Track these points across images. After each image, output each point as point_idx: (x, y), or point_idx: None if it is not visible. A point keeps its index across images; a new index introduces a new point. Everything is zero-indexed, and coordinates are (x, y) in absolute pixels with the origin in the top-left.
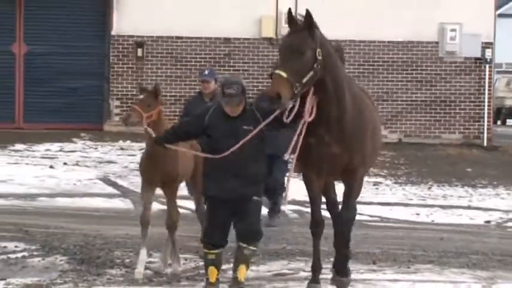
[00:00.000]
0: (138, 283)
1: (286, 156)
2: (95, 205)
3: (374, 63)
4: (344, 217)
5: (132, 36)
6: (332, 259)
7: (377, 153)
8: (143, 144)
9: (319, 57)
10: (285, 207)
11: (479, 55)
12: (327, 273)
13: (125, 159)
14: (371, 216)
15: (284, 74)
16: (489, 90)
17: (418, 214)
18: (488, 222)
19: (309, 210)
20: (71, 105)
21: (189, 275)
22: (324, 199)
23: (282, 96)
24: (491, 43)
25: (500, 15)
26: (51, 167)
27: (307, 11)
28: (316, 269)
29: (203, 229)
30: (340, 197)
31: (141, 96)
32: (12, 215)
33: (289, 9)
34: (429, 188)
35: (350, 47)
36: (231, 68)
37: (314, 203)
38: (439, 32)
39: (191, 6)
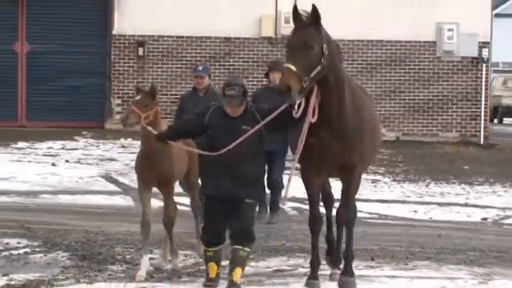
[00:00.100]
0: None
1: (297, 156)
2: (97, 202)
3: (372, 62)
4: (344, 218)
5: (133, 36)
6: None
7: (376, 151)
8: None
9: (326, 52)
10: (283, 202)
11: (476, 54)
12: (325, 269)
13: (126, 157)
14: (369, 213)
15: (293, 68)
16: (486, 89)
17: (415, 211)
18: (485, 219)
19: (307, 207)
20: (73, 103)
21: (190, 271)
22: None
23: (292, 88)
24: (488, 42)
25: (497, 15)
26: (53, 164)
27: (314, 6)
28: (314, 265)
29: (202, 227)
30: (337, 195)
31: (138, 97)
32: (15, 212)
33: (295, 5)
34: (427, 186)
35: (348, 47)
36: (231, 67)
37: (312, 200)
38: (437, 32)
39: (191, 6)
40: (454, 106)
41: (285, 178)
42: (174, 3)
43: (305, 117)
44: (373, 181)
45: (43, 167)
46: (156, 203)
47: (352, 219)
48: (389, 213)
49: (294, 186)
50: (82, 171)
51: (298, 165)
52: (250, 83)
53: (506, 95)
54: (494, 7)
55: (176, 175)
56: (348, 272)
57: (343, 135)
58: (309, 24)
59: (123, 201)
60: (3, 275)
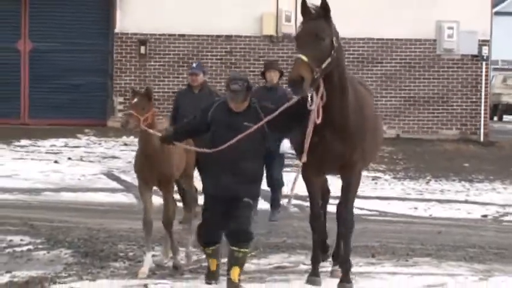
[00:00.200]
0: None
1: (304, 159)
2: (99, 199)
3: (373, 61)
4: (344, 215)
5: (135, 34)
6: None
7: (378, 148)
8: None
9: (336, 45)
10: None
11: (476, 52)
12: (326, 266)
13: (129, 154)
14: (370, 210)
15: (305, 58)
16: (486, 86)
17: (416, 208)
18: (485, 216)
19: (308, 204)
20: (75, 101)
21: (192, 268)
22: None
23: (305, 78)
24: (487, 40)
25: (497, 13)
26: (55, 162)
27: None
28: (316, 261)
29: (198, 226)
30: (338, 192)
31: (135, 100)
32: (18, 209)
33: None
34: (427, 183)
35: (349, 45)
36: (233, 65)
37: (313, 197)
38: (437, 30)
39: (193, 4)
40: (454, 104)
41: (285, 176)
42: (175, 1)
43: (309, 117)
44: (374, 178)
45: (46, 165)
46: (158, 200)
47: (350, 228)
48: (389, 210)
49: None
50: (84, 168)
51: (299, 163)
52: (252, 81)
53: (505, 93)
54: (494, 5)
55: (176, 174)
56: (345, 279)
57: (346, 135)
58: (319, 16)
59: (125, 198)
60: (7, 272)
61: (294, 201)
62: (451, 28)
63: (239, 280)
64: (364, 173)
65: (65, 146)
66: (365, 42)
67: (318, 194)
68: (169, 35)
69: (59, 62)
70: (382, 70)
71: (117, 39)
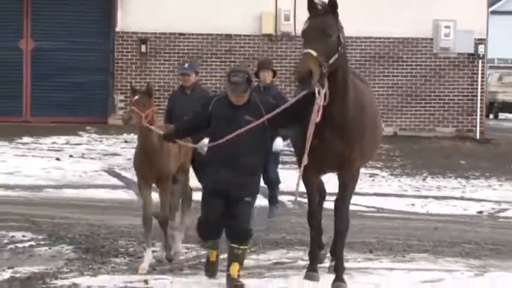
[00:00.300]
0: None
1: (306, 161)
2: (100, 196)
3: (371, 59)
4: (342, 210)
5: (136, 33)
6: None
7: (377, 145)
8: None
9: (343, 41)
10: (284, 198)
11: (472, 51)
12: (324, 262)
13: (129, 151)
14: (367, 206)
15: (314, 53)
16: (482, 84)
17: (413, 205)
18: (480, 212)
19: (306, 201)
20: (77, 99)
21: (191, 264)
22: None
23: (313, 73)
24: (484, 39)
25: (493, 12)
26: (57, 159)
27: None
28: (314, 257)
29: (198, 221)
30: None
31: (136, 97)
32: (20, 206)
33: None
34: (424, 180)
35: (349, 45)
36: (232, 64)
37: (311, 194)
38: (434, 29)
39: (193, 3)
40: (451, 102)
41: (280, 174)
42: (176, 1)
43: (310, 118)
44: (371, 175)
45: (47, 162)
46: (157, 196)
47: (346, 223)
48: (387, 206)
49: (292, 181)
50: (86, 165)
51: (295, 158)
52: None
53: (501, 91)
54: (490, 5)
55: (173, 171)
56: (339, 278)
57: (345, 133)
58: (326, 12)
59: (126, 195)
60: (9, 268)
61: (291, 198)
62: (447, 27)
63: (238, 276)
64: (361, 170)
65: (67, 143)
66: (362, 41)
67: (315, 193)
68: (170, 33)
69: (60, 60)
70: (379, 69)
71: (118, 38)
